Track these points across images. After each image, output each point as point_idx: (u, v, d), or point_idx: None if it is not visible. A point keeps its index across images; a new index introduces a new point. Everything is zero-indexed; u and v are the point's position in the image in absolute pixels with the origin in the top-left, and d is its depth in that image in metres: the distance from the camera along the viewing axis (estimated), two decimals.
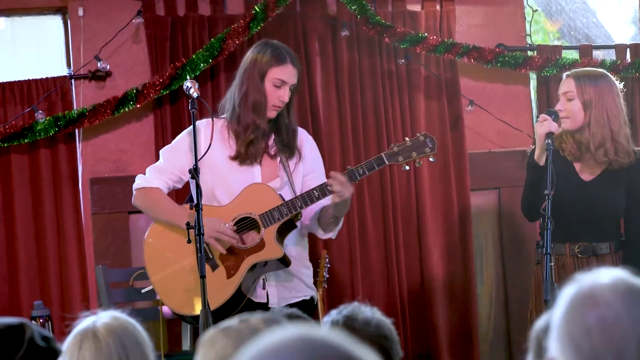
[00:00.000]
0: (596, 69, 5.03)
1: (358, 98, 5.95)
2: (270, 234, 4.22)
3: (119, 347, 2.23)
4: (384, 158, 4.25)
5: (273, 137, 4.39)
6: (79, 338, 2.24)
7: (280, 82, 4.30)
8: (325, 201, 4.25)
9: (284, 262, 4.26)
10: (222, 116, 4.39)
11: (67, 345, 2.25)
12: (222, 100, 4.44)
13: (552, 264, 4.23)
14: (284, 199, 4.23)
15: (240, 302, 4.27)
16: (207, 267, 4.22)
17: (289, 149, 4.36)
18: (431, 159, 4.35)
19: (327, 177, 4.28)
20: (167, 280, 4.34)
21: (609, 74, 4.78)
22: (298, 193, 4.30)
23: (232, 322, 2.01)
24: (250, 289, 4.30)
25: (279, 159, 4.37)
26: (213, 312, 3.94)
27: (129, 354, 2.24)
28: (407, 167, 4.33)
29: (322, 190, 4.19)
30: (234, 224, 4.26)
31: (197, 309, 4.23)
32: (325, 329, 1.43)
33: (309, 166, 4.42)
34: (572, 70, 4.83)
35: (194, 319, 4.33)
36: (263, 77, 4.31)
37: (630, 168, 4.67)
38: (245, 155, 4.32)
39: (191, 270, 4.26)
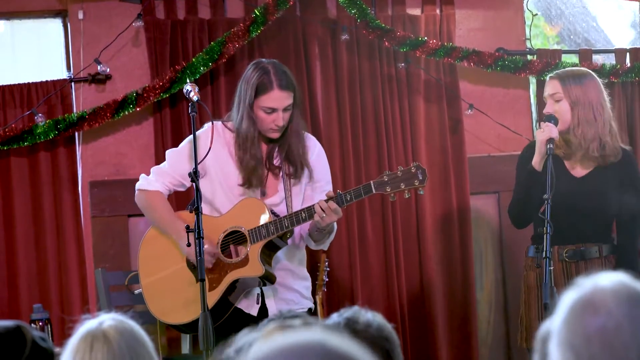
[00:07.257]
0: (578, 68, 5.04)
1: (358, 102, 5.95)
2: (255, 251, 4.22)
3: (130, 349, 2.23)
4: (372, 187, 4.21)
5: (277, 149, 4.38)
6: (89, 340, 2.22)
7: (269, 110, 4.26)
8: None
9: (268, 279, 4.25)
10: (227, 122, 4.38)
11: (73, 347, 2.24)
12: (232, 110, 4.42)
13: (552, 267, 4.23)
14: (276, 216, 4.23)
15: (226, 311, 4.27)
16: (192, 277, 4.24)
17: (291, 165, 4.35)
18: (420, 192, 4.33)
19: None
20: (154, 286, 4.35)
21: (591, 71, 4.79)
22: (295, 208, 4.29)
23: (295, 322, 2.00)
24: (236, 299, 4.30)
25: (281, 174, 4.37)
26: (193, 322, 3.93)
27: (139, 355, 2.24)
28: (395, 198, 4.28)
29: (310, 212, 4.18)
30: (225, 237, 4.27)
31: (177, 318, 4.26)
32: (343, 338, 1.41)
33: (315, 176, 4.41)
34: (555, 72, 4.85)
35: (176, 327, 4.35)
36: (252, 106, 4.27)
37: (620, 162, 4.68)
38: (251, 183, 4.31)
39: (179, 278, 4.27)
